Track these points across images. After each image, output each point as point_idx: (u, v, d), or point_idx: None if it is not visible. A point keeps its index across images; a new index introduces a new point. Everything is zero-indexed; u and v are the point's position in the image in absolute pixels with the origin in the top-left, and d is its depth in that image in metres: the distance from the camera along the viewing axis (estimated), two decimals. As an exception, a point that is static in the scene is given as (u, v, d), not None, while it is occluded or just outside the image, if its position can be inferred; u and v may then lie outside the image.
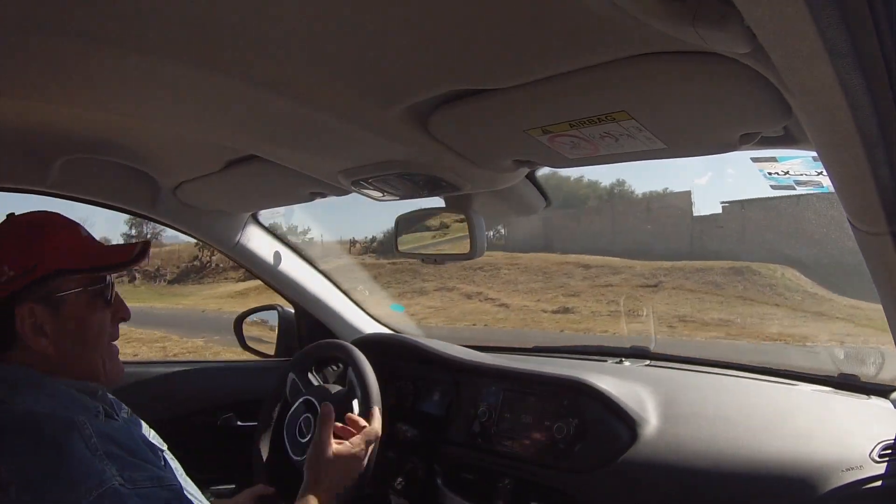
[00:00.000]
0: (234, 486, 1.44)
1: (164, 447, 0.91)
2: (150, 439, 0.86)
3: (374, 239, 21.32)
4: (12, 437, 0.69)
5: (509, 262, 16.09)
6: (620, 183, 21.54)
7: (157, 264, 21.01)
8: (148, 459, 0.76)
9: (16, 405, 0.71)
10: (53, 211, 0.84)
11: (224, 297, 16.96)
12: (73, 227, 0.83)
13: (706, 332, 9.96)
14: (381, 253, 19.38)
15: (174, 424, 1.16)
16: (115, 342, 0.87)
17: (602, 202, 20.37)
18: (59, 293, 0.78)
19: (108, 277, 0.84)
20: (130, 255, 0.84)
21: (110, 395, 0.85)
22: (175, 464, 0.89)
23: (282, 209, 1.34)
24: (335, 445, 1.01)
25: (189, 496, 0.79)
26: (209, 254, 20.49)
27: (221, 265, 20.50)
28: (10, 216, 0.82)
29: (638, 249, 14.75)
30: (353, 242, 21.29)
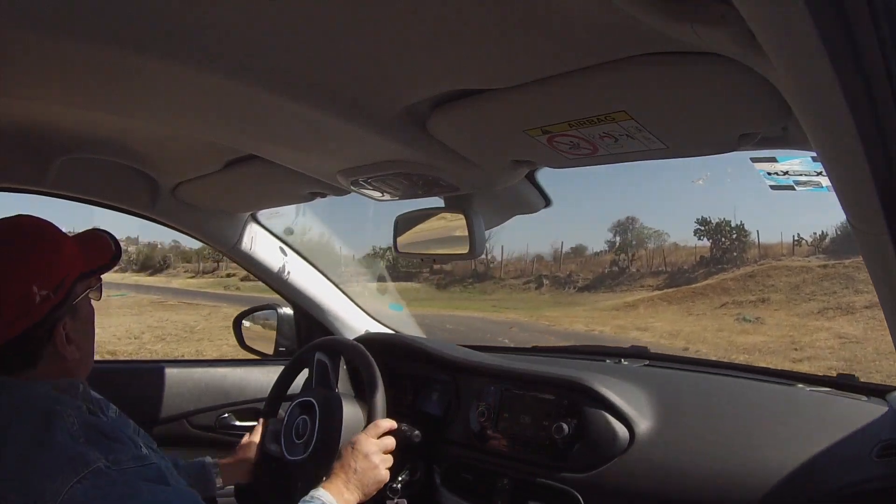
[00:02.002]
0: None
1: (154, 445, 0.91)
2: (138, 438, 0.86)
3: (824, 235, 16.41)
4: None
5: None
6: None
7: (570, 270, 19.71)
8: (128, 445, 0.77)
9: None
10: (28, 214, 0.82)
11: (608, 309, 14.28)
12: (61, 231, 0.83)
13: None
14: (832, 253, 14.89)
15: (172, 424, 1.16)
16: None
17: None
18: (76, 300, 0.80)
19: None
20: (111, 247, 0.86)
21: (96, 395, 0.86)
22: (164, 462, 0.89)
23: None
24: (374, 447, 1.06)
25: (173, 479, 0.79)
26: (626, 257, 19.04)
27: (640, 270, 18.49)
28: None
29: None
30: (797, 241, 17.13)
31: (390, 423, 1.12)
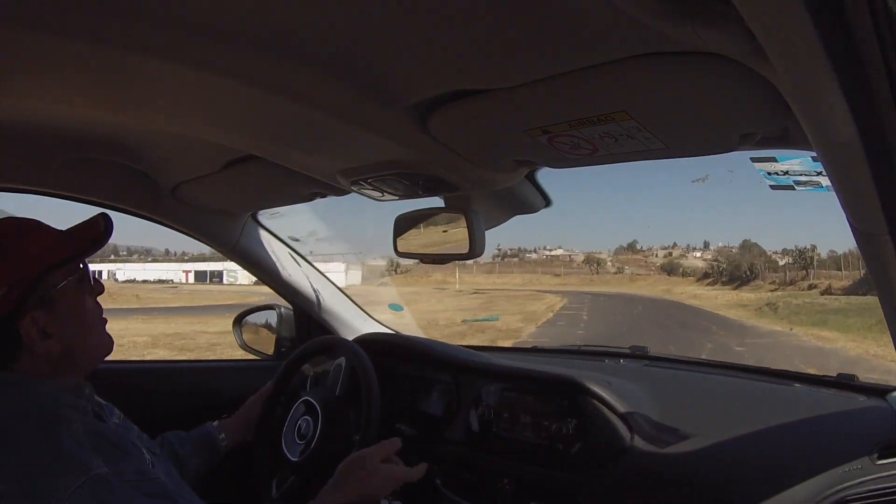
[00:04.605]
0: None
1: (157, 450, 0.91)
2: (141, 444, 0.86)
3: None
4: (1, 437, 0.69)
5: None
6: None
7: None
8: (134, 455, 0.76)
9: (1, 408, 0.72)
10: (3, 216, 0.82)
11: None
12: (36, 225, 0.82)
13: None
14: None
15: (172, 424, 1.16)
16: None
17: None
18: (51, 291, 0.78)
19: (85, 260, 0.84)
20: (99, 231, 0.84)
21: (101, 400, 0.86)
22: (167, 468, 0.89)
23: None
24: (380, 461, 1.02)
25: (175, 494, 0.78)
26: None
27: None
28: None
29: None
30: None
31: (398, 444, 1.07)
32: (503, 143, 0.86)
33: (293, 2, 0.56)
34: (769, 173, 0.85)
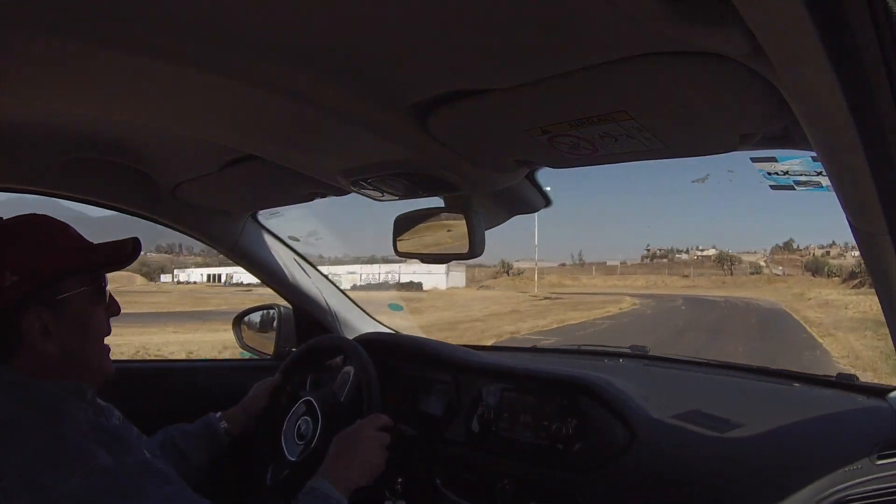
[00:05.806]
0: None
1: (157, 451, 0.92)
2: (141, 444, 0.87)
3: None
4: (2, 432, 0.70)
5: None
6: None
7: None
8: (135, 452, 0.77)
9: (2, 405, 0.72)
10: (42, 213, 0.84)
11: None
12: (66, 229, 0.83)
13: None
14: None
15: (171, 423, 1.17)
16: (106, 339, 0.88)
17: None
18: (61, 295, 0.79)
19: (105, 275, 0.86)
20: (126, 252, 0.86)
21: (102, 402, 0.86)
22: (167, 469, 0.89)
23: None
24: (372, 435, 1.07)
25: (176, 482, 0.79)
26: None
27: None
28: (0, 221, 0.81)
29: None
30: None
31: (388, 420, 1.12)
32: (503, 143, 0.86)
33: (293, 2, 0.56)
34: (769, 173, 0.85)
